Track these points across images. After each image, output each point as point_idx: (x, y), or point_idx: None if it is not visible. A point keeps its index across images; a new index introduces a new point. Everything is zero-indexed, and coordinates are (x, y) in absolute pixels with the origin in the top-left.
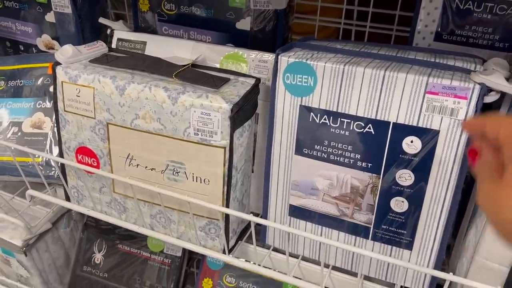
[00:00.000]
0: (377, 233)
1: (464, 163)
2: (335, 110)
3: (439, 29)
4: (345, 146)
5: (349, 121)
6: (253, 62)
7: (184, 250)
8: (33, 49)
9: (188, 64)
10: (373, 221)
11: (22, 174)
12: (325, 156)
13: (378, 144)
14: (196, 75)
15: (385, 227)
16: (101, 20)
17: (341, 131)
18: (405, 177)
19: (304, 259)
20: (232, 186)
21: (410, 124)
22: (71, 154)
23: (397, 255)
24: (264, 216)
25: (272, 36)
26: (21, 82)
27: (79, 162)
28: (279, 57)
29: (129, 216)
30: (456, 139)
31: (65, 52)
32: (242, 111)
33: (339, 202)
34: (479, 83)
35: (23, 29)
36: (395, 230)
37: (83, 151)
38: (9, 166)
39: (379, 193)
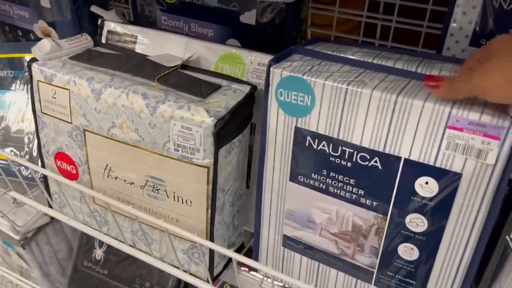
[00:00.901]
0: (381, 279)
1: (492, 213)
2: (335, 136)
3: (477, 32)
4: (346, 179)
5: (352, 151)
6: (251, 65)
7: None
8: (31, 35)
9: (177, 65)
10: (377, 266)
11: (3, 174)
12: (324, 187)
13: (385, 182)
14: (182, 80)
15: (391, 274)
16: (93, 9)
17: (342, 161)
18: (416, 222)
19: None
20: (218, 209)
21: (425, 162)
22: (50, 159)
23: None
24: (256, 244)
25: (281, 31)
26: (11, 73)
27: (58, 168)
28: (271, 69)
29: (111, 229)
30: (483, 186)
31: (42, 47)
32: (230, 126)
33: (339, 240)
34: None
35: (20, 13)
36: (403, 279)
37: (62, 157)
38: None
39: (385, 236)
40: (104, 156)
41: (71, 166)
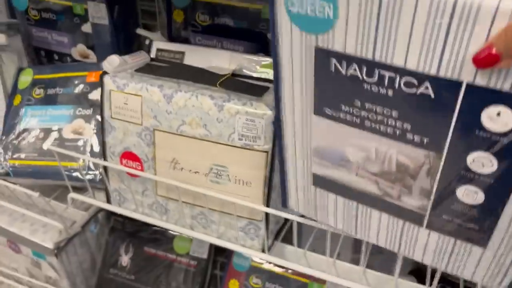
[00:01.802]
0: (435, 222)
1: None
2: (370, 58)
3: None
4: (387, 111)
5: (393, 75)
6: None
7: (210, 252)
8: (67, 58)
9: (229, 73)
10: (429, 209)
11: (66, 178)
12: (358, 121)
13: (440, 113)
14: (238, 84)
15: (447, 217)
16: (139, 31)
17: (381, 89)
18: (482, 162)
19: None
20: (273, 188)
21: (498, 88)
22: (115, 159)
23: (463, 250)
24: (282, 184)
25: None
26: (60, 90)
27: (124, 166)
28: None
29: (170, 217)
30: None
31: (112, 61)
32: None
33: (380, 180)
34: None
35: (58, 39)
36: (462, 223)
37: (128, 156)
38: (52, 170)
39: (440, 178)
40: (171, 151)
41: (136, 163)
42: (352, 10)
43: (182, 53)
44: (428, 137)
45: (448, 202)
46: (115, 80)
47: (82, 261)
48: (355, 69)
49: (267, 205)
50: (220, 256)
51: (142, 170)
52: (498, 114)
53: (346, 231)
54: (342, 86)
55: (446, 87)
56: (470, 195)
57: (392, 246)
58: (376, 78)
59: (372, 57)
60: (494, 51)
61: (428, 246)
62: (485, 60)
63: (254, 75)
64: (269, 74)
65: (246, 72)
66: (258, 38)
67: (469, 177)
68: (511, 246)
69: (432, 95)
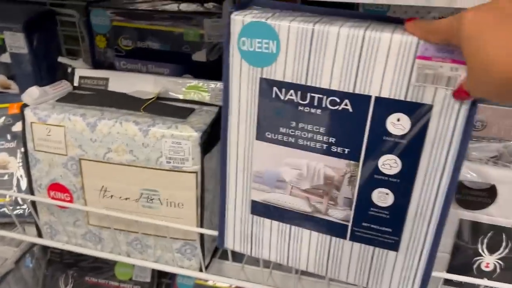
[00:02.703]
0: (357, 232)
1: (464, 145)
2: (303, 83)
3: None
4: (316, 128)
5: (321, 96)
6: (213, 91)
7: (153, 275)
8: None
9: (153, 97)
10: (351, 218)
11: None
12: (293, 141)
13: (357, 124)
14: (163, 108)
15: (366, 224)
16: (61, 59)
17: (312, 109)
18: (390, 164)
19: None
20: (205, 207)
21: (396, 98)
22: (42, 191)
23: (380, 257)
24: (222, 216)
25: None
26: None
27: (51, 198)
28: (232, 16)
29: (105, 246)
30: (453, 116)
31: (32, 93)
32: (211, 137)
33: (311, 196)
34: None
35: None
36: (378, 228)
37: (56, 187)
38: None
39: (359, 184)
40: (100, 179)
41: (65, 194)
42: (290, 47)
43: (106, 79)
44: (349, 148)
45: (366, 208)
46: (36, 112)
47: None
48: (291, 94)
49: (201, 225)
50: (164, 278)
51: (71, 201)
52: (398, 120)
53: (278, 261)
54: (281, 110)
55: (360, 101)
56: (382, 197)
57: (320, 269)
58: (308, 100)
59: (305, 82)
60: (464, 90)
61: (352, 261)
62: (460, 96)
63: (180, 97)
64: (194, 95)
65: (172, 94)
66: (183, 59)
67: (381, 180)
68: (416, 246)
69: (350, 109)
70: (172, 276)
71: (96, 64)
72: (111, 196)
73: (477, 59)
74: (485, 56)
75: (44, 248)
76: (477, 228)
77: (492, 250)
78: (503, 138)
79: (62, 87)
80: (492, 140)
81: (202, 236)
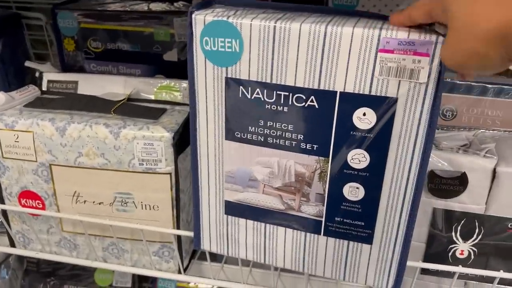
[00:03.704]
0: (330, 227)
1: (430, 135)
2: (268, 81)
3: None
4: (284, 126)
5: (287, 94)
6: (185, 90)
7: (133, 280)
8: None
9: (124, 99)
10: (324, 214)
11: None
12: (262, 140)
13: (324, 121)
14: (134, 109)
15: (338, 219)
16: (28, 64)
17: (279, 107)
18: (358, 158)
19: (259, 266)
20: (181, 208)
21: (360, 92)
22: (13, 200)
23: (355, 251)
24: (196, 217)
25: None
26: None
27: (23, 206)
28: (194, 16)
29: (80, 252)
30: (418, 107)
31: None
32: (183, 137)
33: (283, 193)
34: (443, 35)
35: None
36: (351, 222)
37: (27, 195)
38: None
39: (329, 180)
40: (72, 184)
41: (37, 201)
42: (253, 45)
43: (75, 82)
44: (317, 144)
45: (338, 202)
46: (2, 118)
47: None
48: (257, 93)
49: (178, 227)
50: (145, 282)
51: (43, 208)
52: (364, 114)
53: (255, 259)
54: (248, 109)
55: (326, 97)
56: (353, 191)
57: (297, 265)
58: (274, 98)
59: (270, 80)
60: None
61: (327, 256)
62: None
63: (151, 97)
64: (166, 95)
65: (144, 95)
66: (155, 60)
67: (350, 174)
68: (389, 238)
69: (317, 106)
70: (153, 280)
71: (66, 67)
72: (84, 201)
73: (463, 14)
74: (472, 10)
75: (20, 258)
76: (451, 216)
77: (465, 237)
78: (473, 126)
79: (29, 92)
80: (462, 129)
81: (179, 238)
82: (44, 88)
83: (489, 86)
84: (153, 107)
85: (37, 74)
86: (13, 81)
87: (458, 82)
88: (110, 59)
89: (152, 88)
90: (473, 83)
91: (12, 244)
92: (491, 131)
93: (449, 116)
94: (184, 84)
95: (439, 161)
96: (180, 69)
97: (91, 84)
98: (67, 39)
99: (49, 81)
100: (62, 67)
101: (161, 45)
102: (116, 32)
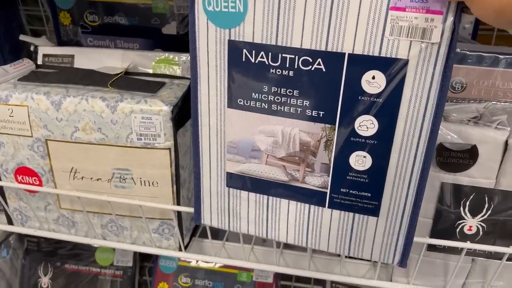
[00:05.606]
0: (335, 199)
1: (441, 101)
2: (273, 43)
3: None
4: (289, 92)
5: (293, 56)
6: (185, 64)
7: (135, 259)
8: None
9: (121, 72)
10: (329, 185)
11: None
12: (266, 107)
13: (331, 85)
14: (131, 82)
15: (344, 190)
16: (22, 38)
17: (284, 71)
18: (366, 125)
19: (259, 244)
20: (181, 185)
21: (370, 54)
22: (9, 176)
23: (361, 224)
24: (197, 191)
25: None
26: None
27: (19, 183)
28: None
29: (79, 229)
30: (430, 70)
31: None
32: (183, 111)
33: (287, 164)
34: None
35: None
36: (357, 193)
37: (23, 171)
38: None
39: (335, 149)
40: (69, 160)
41: (33, 178)
42: (258, 4)
43: (71, 56)
44: (324, 110)
45: (344, 173)
46: None
47: None
48: (262, 56)
49: (178, 203)
50: (147, 261)
51: (40, 184)
52: (373, 77)
53: (257, 234)
54: (252, 74)
55: (334, 59)
56: (360, 160)
57: (300, 240)
58: (279, 61)
59: (275, 42)
60: None
61: (332, 230)
62: None
63: (150, 71)
64: (165, 69)
65: (142, 69)
66: (153, 34)
67: (358, 142)
68: (397, 210)
69: (324, 69)
70: (155, 259)
71: (62, 42)
72: (82, 177)
73: None
74: None
75: (21, 237)
76: (459, 191)
77: (474, 212)
78: (483, 98)
79: (24, 66)
80: (472, 101)
81: (179, 214)
82: (39, 62)
83: (501, 56)
84: (152, 81)
85: (32, 48)
86: (9, 58)
87: (468, 52)
88: (107, 33)
89: (151, 62)
90: (484, 54)
91: (10, 222)
92: (502, 103)
93: (458, 88)
94: (184, 57)
95: (448, 133)
96: (180, 43)
97: (88, 58)
98: (63, 13)
99: (44, 55)
100: (58, 42)
101: (160, 18)
102: (113, 5)
